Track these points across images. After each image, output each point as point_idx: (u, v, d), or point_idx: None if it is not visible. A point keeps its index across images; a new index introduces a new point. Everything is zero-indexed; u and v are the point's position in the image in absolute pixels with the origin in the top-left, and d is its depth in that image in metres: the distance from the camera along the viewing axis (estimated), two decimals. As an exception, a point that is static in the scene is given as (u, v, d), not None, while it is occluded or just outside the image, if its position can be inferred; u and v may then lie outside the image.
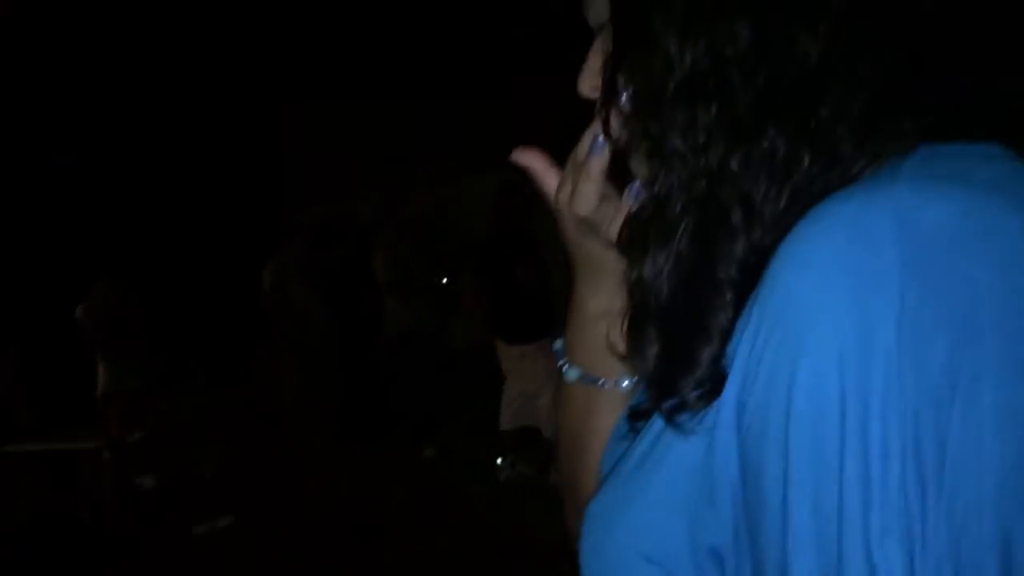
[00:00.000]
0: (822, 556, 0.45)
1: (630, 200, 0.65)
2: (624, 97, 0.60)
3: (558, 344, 0.79)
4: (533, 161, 0.75)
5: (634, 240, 0.61)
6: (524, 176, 0.77)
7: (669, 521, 0.54)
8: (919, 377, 0.43)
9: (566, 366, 0.77)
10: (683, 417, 0.54)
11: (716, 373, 0.53)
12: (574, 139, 0.73)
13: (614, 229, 0.67)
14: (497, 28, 6.96)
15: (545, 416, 4.98)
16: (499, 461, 5.23)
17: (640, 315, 0.60)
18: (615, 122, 0.62)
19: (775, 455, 0.47)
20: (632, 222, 0.63)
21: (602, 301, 0.73)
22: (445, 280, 6.54)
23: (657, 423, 0.58)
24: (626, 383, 0.74)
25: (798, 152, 0.53)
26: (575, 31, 0.74)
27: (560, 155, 0.75)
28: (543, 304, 4.98)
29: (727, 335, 0.53)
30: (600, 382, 0.75)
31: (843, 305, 0.44)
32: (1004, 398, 0.42)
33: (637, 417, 0.66)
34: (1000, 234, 0.44)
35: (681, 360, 0.55)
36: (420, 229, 6.44)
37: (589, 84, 0.69)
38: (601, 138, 0.65)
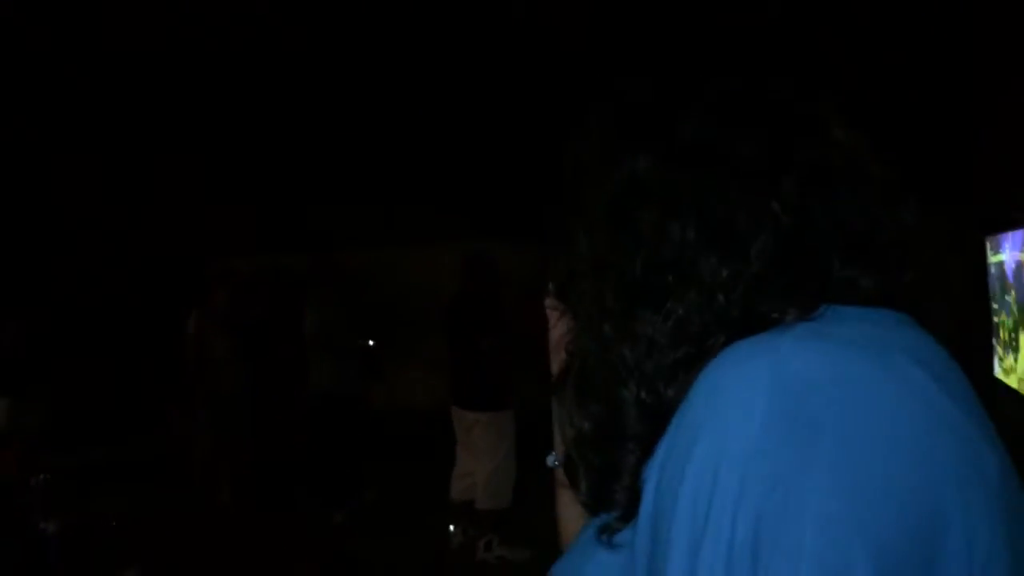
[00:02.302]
0: None
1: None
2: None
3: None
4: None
5: (565, 397, 0.74)
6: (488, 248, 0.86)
7: None
8: (765, 486, 0.52)
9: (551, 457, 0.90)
10: (613, 536, 0.66)
11: (631, 501, 0.62)
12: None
13: None
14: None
15: (482, 488, 4.98)
16: (451, 528, 5.20)
17: (573, 458, 0.72)
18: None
19: (663, 544, 0.56)
20: (562, 379, 0.76)
21: None
22: (371, 342, 6.52)
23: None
24: None
25: (689, 315, 0.63)
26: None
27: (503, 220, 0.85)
28: (502, 376, 5.00)
29: (636, 472, 0.63)
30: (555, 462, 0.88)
31: (720, 431, 0.55)
32: (825, 511, 0.51)
33: None
34: (849, 382, 0.55)
35: (601, 496, 0.67)
36: (352, 289, 6.43)
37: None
38: None
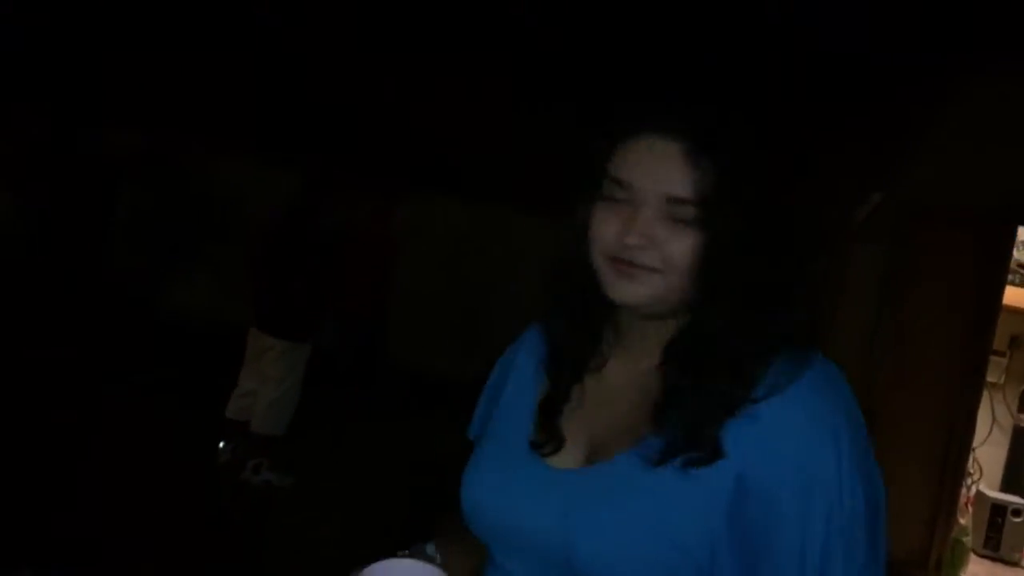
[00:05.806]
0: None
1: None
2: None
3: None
4: None
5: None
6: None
7: (686, 523, 0.87)
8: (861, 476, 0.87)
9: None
10: (697, 466, 0.88)
11: (714, 448, 0.88)
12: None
13: None
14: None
15: (261, 412, 4.93)
16: (221, 444, 5.07)
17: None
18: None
19: (792, 521, 0.85)
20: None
21: None
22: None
23: (638, 472, 0.91)
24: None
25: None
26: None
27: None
28: (311, 309, 4.93)
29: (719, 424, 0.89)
30: None
31: (828, 447, 0.86)
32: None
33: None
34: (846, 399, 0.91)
35: (693, 437, 0.89)
36: (174, 179, 6.09)
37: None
38: None
